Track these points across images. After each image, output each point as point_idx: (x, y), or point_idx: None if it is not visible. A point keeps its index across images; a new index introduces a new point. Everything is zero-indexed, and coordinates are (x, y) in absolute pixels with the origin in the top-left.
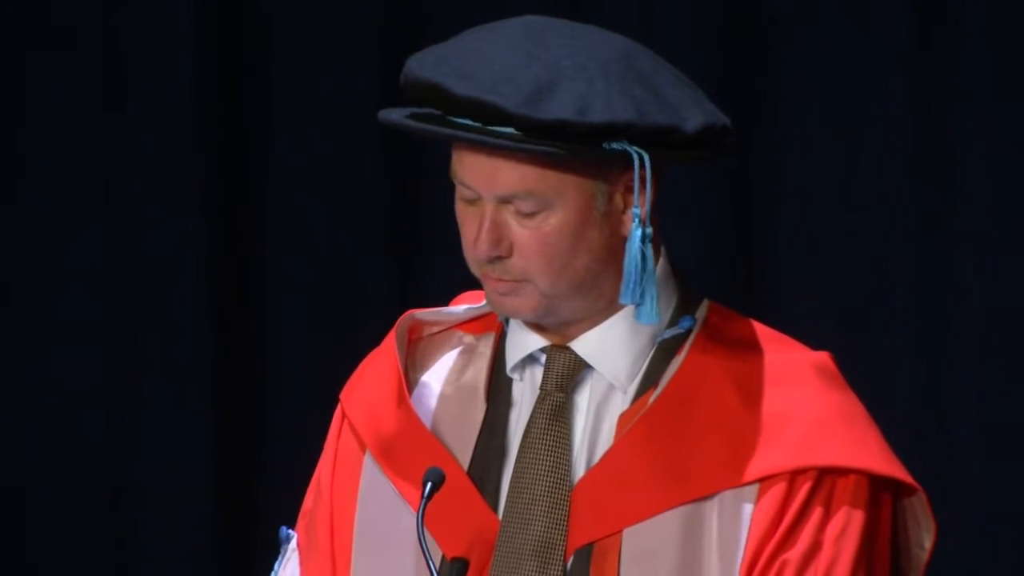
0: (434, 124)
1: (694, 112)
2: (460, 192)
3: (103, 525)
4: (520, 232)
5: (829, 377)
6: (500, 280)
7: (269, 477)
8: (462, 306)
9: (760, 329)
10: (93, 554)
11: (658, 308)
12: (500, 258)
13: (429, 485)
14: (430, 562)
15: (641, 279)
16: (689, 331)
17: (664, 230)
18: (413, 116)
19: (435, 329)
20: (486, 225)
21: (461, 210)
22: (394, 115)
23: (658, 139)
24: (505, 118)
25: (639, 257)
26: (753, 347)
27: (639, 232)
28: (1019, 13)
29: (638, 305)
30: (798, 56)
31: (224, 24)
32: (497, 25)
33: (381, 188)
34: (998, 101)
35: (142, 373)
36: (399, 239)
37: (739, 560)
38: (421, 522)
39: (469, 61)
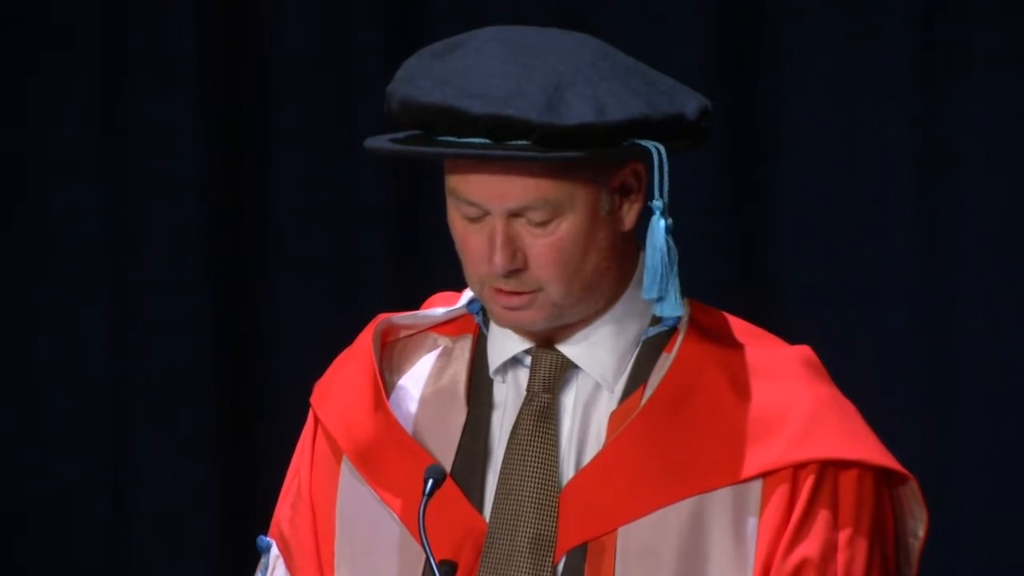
0: (440, 147)
1: (687, 97)
2: (462, 210)
3: (103, 525)
4: (533, 242)
5: (816, 370)
6: (514, 294)
7: (269, 478)
8: (436, 308)
9: (739, 324)
10: (93, 554)
11: (681, 299)
12: (515, 271)
13: (431, 482)
14: (431, 558)
15: (668, 272)
16: (674, 328)
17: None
18: (411, 140)
19: (409, 332)
20: (500, 240)
21: (463, 228)
22: (386, 144)
23: (667, 129)
24: (527, 130)
25: (665, 249)
26: (739, 343)
27: (663, 224)
28: (1020, 7)
29: (661, 299)
30: (799, 45)
31: (225, 23)
32: (465, 42)
33: (384, 187)
34: (1000, 94)
35: (142, 372)
36: (402, 238)
37: (749, 563)
38: (423, 519)
39: (470, 80)
